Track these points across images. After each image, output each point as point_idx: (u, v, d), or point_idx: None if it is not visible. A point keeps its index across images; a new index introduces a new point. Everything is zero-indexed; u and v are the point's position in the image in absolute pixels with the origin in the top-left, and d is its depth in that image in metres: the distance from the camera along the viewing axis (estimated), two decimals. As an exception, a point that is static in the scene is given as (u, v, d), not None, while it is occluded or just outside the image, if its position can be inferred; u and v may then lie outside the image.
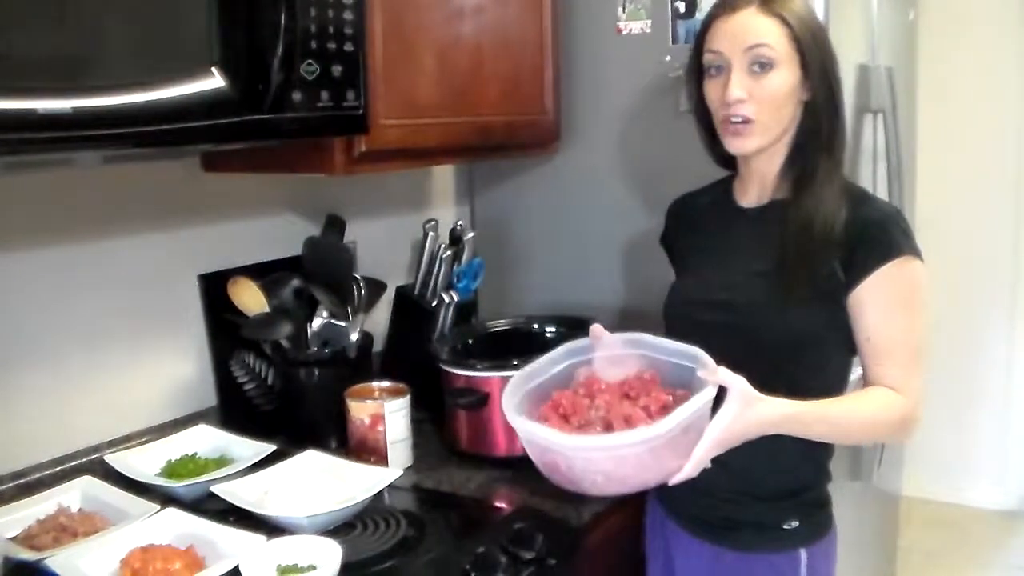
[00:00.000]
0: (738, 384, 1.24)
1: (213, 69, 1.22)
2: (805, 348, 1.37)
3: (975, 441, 3.74)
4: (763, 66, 1.35)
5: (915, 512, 3.47)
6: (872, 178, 2.18)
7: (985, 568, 3.35)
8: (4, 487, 1.45)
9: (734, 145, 1.41)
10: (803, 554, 1.44)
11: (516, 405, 1.35)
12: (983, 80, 3.54)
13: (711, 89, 1.41)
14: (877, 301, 1.36)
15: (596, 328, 1.45)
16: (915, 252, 1.37)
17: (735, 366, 1.43)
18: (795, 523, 1.43)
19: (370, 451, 1.61)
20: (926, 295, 1.40)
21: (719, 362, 1.40)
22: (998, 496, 3.74)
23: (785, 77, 1.36)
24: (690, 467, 1.25)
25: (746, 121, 1.37)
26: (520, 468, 1.63)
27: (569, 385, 1.43)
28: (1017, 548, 3.48)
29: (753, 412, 1.26)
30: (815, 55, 1.37)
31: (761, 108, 1.37)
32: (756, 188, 1.48)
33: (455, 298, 1.95)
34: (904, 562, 3.09)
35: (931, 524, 3.56)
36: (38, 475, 1.49)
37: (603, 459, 1.25)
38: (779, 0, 1.36)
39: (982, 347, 3.69)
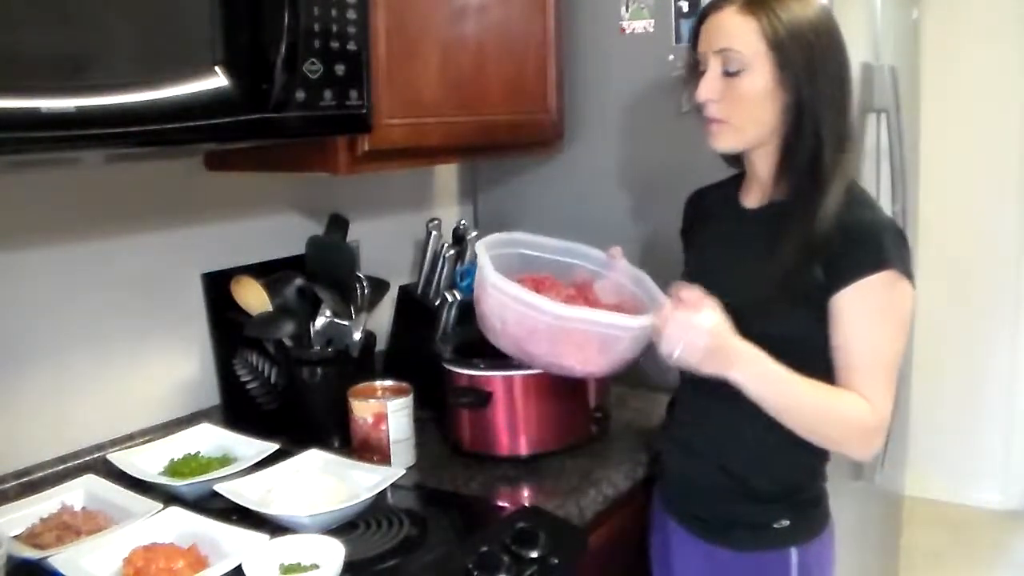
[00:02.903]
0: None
1: (216, 68, 1.22)
2: (788, 351, 1.34)
3: (978, 441, 3.74)
4: (733, 69, 1.35)
5: (918, 512, 3.47)
6: (875, 178, 2.17)
7: (988, 568, 3.35)
8: (7, 486, 1.45)
9: (710, 143, 1.42)
10: (794, 553, 1.44)
11: (499, 251, 1.52)
12: (987, 79, 3.54)
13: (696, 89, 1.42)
14: (856, 311, 1.33)
15: (616, 249, 1.58)
16: (906, 271, 1.34)
17: None
18: (786, 522, 1.43)
19: (373, 450, 1.61)
20: (908, 317, 1.37)
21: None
22: (1001, 496, 3.73)
23: (755, 80, 1.34)
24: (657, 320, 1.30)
25: (719, 121, 1.38)
26: (523, 467, 1.64)
27: (565, 278, 1.56)
28: (1020, 548, 3.48)
29: (724, 324, 1.30)
30: (795, 55, 1.33)
31: (732, 109, 1.37)
32: (757, 189, 1.48)
33: (458, 297, 1.95)
34: (907, 562, 3.09)
35: (934, 524, 3.56)
36: (41, 474, 1.49)
37: (510, 307, 1.40)
38: None
39: (986, 347, 3.68)
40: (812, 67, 1.34)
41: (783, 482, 1.44)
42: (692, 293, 1.30)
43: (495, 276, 1.41)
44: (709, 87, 1.37)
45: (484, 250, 1.48)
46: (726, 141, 1.41)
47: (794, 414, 1.35)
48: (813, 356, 1.37)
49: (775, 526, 1.43)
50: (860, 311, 1.33)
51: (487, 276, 1.42)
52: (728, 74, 1.36)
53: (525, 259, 1.57)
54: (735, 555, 1.46)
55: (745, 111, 1.37)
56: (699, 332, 1.28)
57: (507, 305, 1.41)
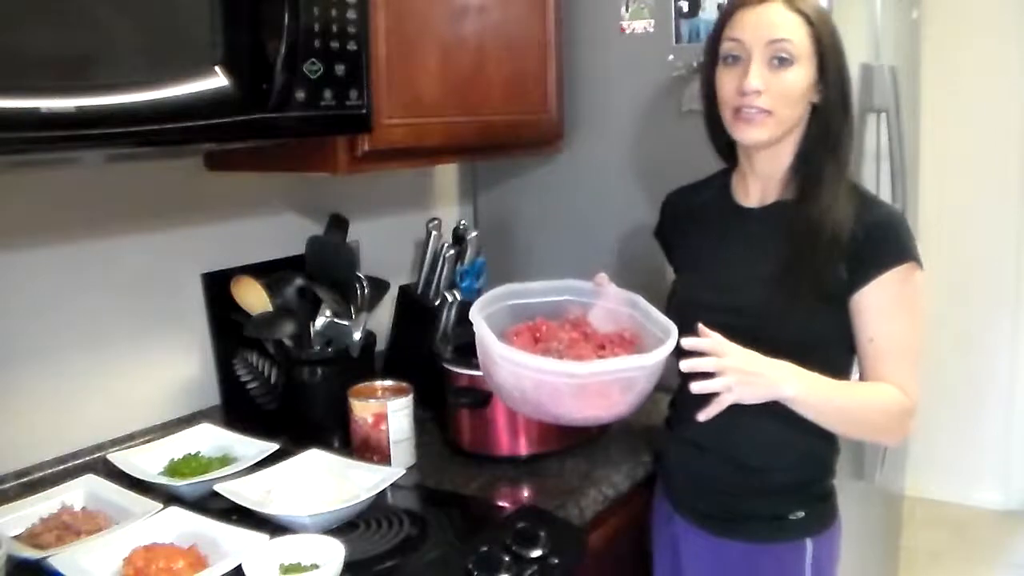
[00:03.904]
0: None
1: (217, 68, 1.22)
2: (811, 350, 1.37)
3: (978, 441, 3.74)
4: (783, 61, 1.36)
5: (918, 512, 3.47)
6: (875, 178, 2.17)
7: (988, 568, 3.34)
8: (8, 485, 1.45)
9: (744, 134, 1.40)
10: (809, 544, 1.45)
11: (489, 310, 1.45)
12: (987, 79, 3.53)
13: (725, 78, 1.40)
14: (882, 304, 1.37)
15: (602, 276, 1.55)
16: (919, 260, 1.39)
17: None
18: (801, 514, 1.45)
19: (373, 450, 1.61)
20: (924, 302, 1.41)
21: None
22: (1001, 496, 3.73)
23: (802, 75, 1.37)
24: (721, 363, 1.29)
25: (764, 112, 1.37)
26: (523, 467, 1.63)
27: (558, 318, 1.51)
28: (1020, 548, 3.48)
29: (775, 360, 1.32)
30: (833, 58, 1.38)
31: (776, 102, 1.37)
32: (759, 188, 1.48)
33: (458, 297, 1.95)
34: (907, 561, 3.09)
35: (934, 524, 3.56)
36: (41, 474, 1.49)
37: (525, 376, 1.34)
38: None
39: (986, 347, 3.68)
40: (840, 70, 1.39)
41: (797, 474, 1.45)
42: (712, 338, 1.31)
43: (501, 347, 1.35)
44: (760, 77, 1.36)
45: (480, 318, 1.40)
46: (765, 132, 1.39)
47: (852, 419, 1.39)
48: (831, 354, 1.40)
49: (791, 517, 1.45)
50: (886, 304, 1.38)
51: (492, 347, 1.36)
52: (774, 67, 1.36)
53: (514, 309, 1.51)
54: (750, 548, 1.46)
55: (787, 104, 1.38)
56: (752, 366, 1.31)
57: (521, 375, 1.35)
